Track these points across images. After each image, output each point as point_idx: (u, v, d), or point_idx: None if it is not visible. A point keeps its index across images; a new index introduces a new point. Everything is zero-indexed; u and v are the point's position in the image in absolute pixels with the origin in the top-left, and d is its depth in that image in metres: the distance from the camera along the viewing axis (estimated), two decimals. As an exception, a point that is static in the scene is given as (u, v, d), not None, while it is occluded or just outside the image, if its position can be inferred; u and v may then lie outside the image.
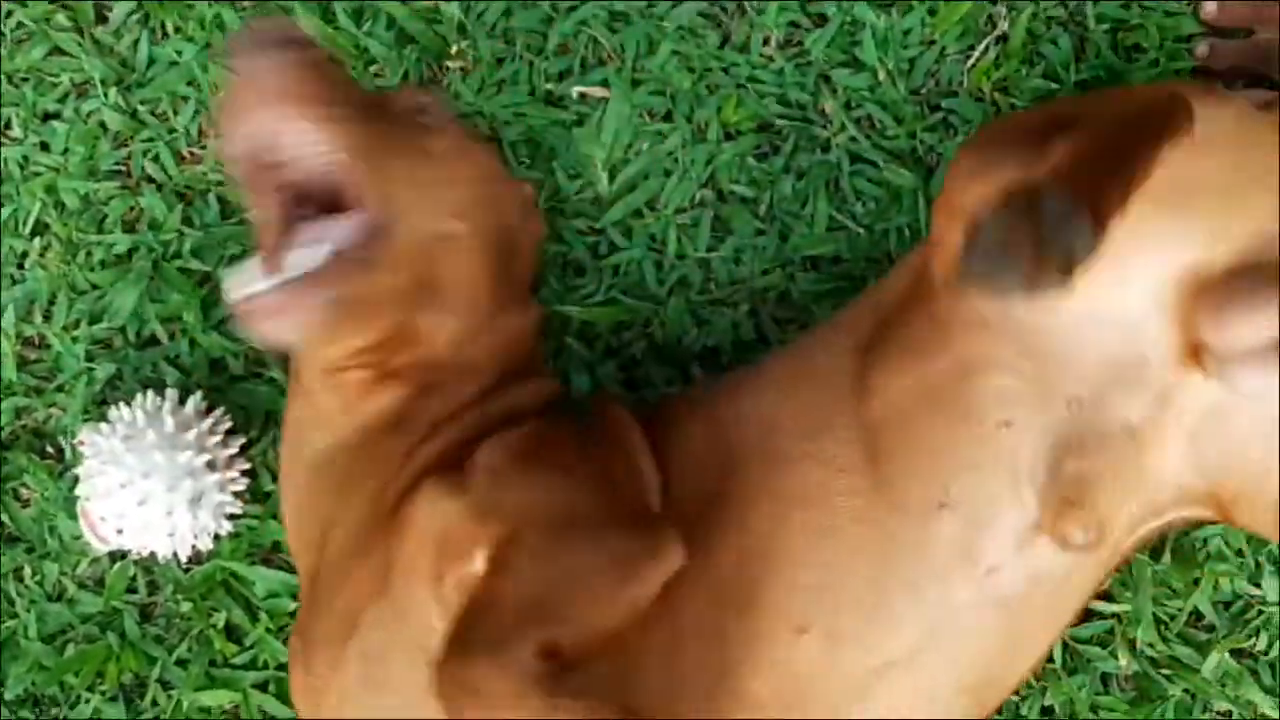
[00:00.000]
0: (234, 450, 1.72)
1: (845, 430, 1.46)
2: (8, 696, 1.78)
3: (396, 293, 1.44)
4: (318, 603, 1.52)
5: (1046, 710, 1.75)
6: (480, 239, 1.53)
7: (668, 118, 1.81)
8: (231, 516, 1.74)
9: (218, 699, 1.77)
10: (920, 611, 1.42)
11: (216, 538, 1.74)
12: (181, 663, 1.78)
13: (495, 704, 1.23)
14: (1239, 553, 1.75)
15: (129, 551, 1.73)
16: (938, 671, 1.44)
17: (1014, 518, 1.41)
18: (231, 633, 1.79)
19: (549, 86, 1.82)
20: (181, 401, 1.72)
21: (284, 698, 1.76)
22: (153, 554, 1.71)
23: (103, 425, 1.69)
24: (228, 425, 1.73)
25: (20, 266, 1.84)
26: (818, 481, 1.44)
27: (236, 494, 1.72)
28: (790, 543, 1.43)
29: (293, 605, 1.77)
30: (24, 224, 1.81)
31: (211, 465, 1.69)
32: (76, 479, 1.73)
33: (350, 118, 1.41)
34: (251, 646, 1.78)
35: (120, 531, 1.68)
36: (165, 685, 1.78)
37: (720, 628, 1.43)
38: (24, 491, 1.83)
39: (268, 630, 1.77)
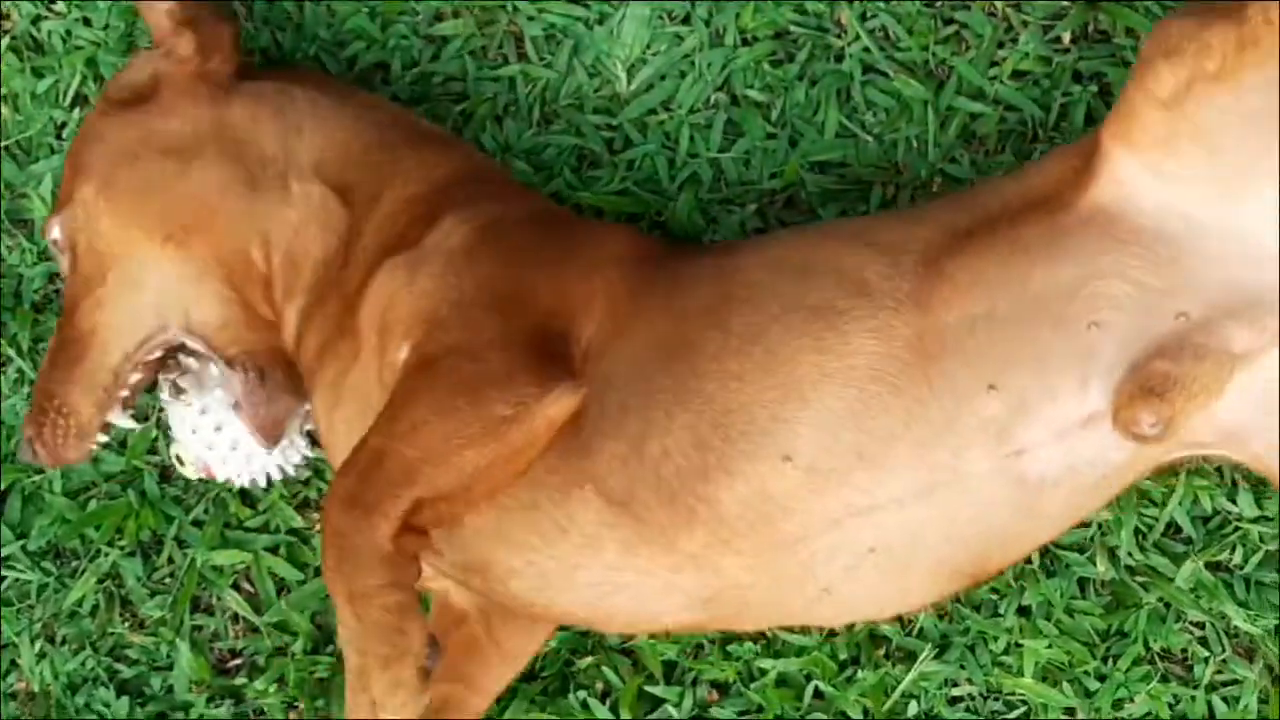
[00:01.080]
0: None
1: (892, 302, 1.51)
2: (31, 547, 1.86)
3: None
4: (322, 380, 1.64)
5: (1023, 610, 1.82)
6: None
7: (686, 21, 1.86)
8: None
9: (230, 559, 1.85)
10: (921, 470, 1.49)
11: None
12: (198, 523, 1.86)
13: (345, 554, 1.45)
14: (1218, 470, 1.80)
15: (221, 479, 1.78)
16: (930, 523, 1.50)
17: (1067, 409, 1.48)
18: (246, 497, 1.86)
19: (572, -17, 1.88)
20: None
21: (294, 561, 1.85)
22: (251, 480, 1.77)
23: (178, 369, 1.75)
24: None
25: (59, 137, 1.91)
26: (843, 335, 1.50)
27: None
28: (793, 380, 1.50)
29: (304, 474, 1.84)
30: (64, 96, 1.88)
31: None
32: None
33: None
34: (264, 511, 1.86)
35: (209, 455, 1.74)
36: (181, 544, 1.86)
37: (702, 438, 1.50)
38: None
39: (281, 497, 1.85)
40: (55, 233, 1.68)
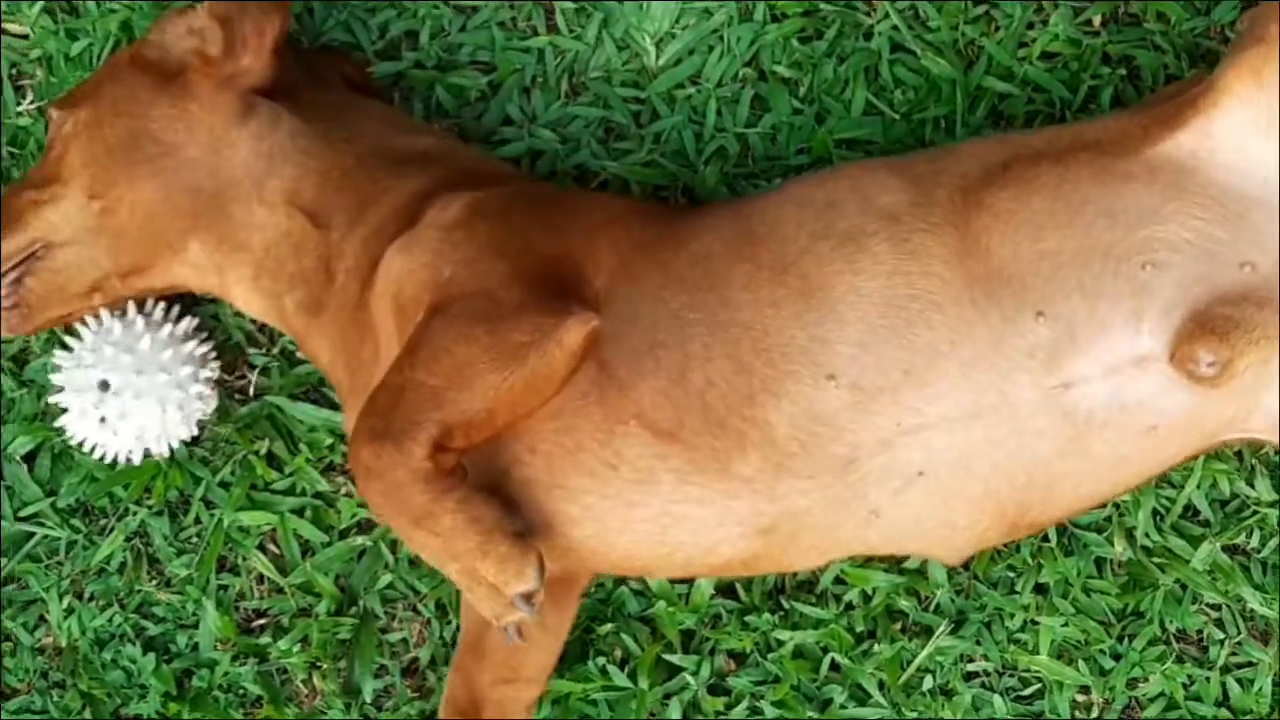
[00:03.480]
0: (202, 351, 1.81)
1: (925, 225, 1.53)
2: (60, 505, 1.89)
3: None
4: (354, 389, 1.67)
5: (1040, 588, 1.83)
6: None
7: (716, -5, 1.86)
8: (199, 424, 1.83)
9: (256, 520, 1.87)
10: (968, 390, 1.50)
11: (183, 442, 1.83)
12: (225, 484, 1.88)
13: (389, 489, 1.47)
14: (1237, 454, 1.81)
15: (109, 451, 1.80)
16: (978, 449, 1.52)
17: (1118, 345, 1.49)
18: (272, 460, 1.88)
19: (603, -43, 1.88)
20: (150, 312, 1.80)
21: (319, 523, 1.87)
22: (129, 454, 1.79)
23: (74, 335, 1.79)
24: (196, 331, 1.83)
25: (92, 99, 1.92)
26: (875, 256, 1.52)
27: (203, 397, 1.81)
28: (829, 301, 1.52)
29: (330, 440, 1.87)
30: (97, 59, 1.88)
31: (179, 367, 1.77)
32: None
33: None
34: (291, 474, 1.88)
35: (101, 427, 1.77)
36: (208, 504, 1.89)
37: (744, 363, 1.53)
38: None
39: (307, 460, 1.87)
40: (53, 116, 1.73)
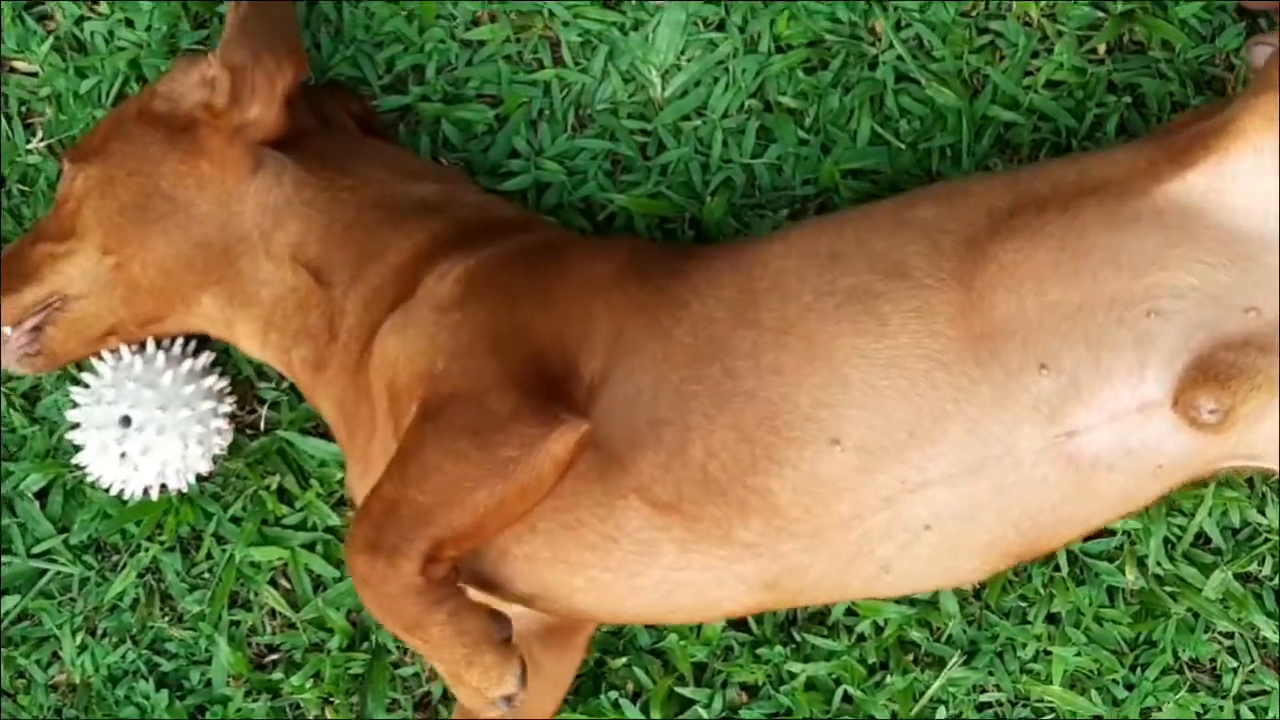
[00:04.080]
0: (220, 386, 1.82)
1: (932, 281, 1.52)
2: (72, 541, 1.89)
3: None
4: (351, 451, 1.68)
5: (1052, 617, 1.82)
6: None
7: (721, 27, 1.86)
8: (215, 458, 1.84)
9: (267, 555, 1.88)
10: (973, 446, 1.49)
11: (199, 477, 1.84)
12: (236, 520, 1.89)
13: (382, 599, 1.50)
14: (1248, 482, 1.80)
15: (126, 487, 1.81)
16: (983, 501, 1.52)
17: (1121, 392, 1.48)
18: (283, 495, 1.89)
19: (608, -10, 1.89)
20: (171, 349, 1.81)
21: (331, 558, 1.87)
22: (146, 489, 1.81)
23: (91, 370, 1.80)
24: (212, 366, 1.84)
25: (102, 137, 1.93)
26: (881, 318, 1.52)
27: (221, 431, 1.82)
28: (833, 365, 1.51)
29: (340, 474, 1.87)
30: (106, 96, 1.89)
31: (200, 401, 1.79)
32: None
33: None
34: (302, 509, 1.88)
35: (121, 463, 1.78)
36: (219, 540, 1.89)
37: (747, 432, 1.52)
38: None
39: (318, 495, 1.88)
40: (65, 168, 1.75)
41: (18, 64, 1.92)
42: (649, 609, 1.59)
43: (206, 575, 1.89)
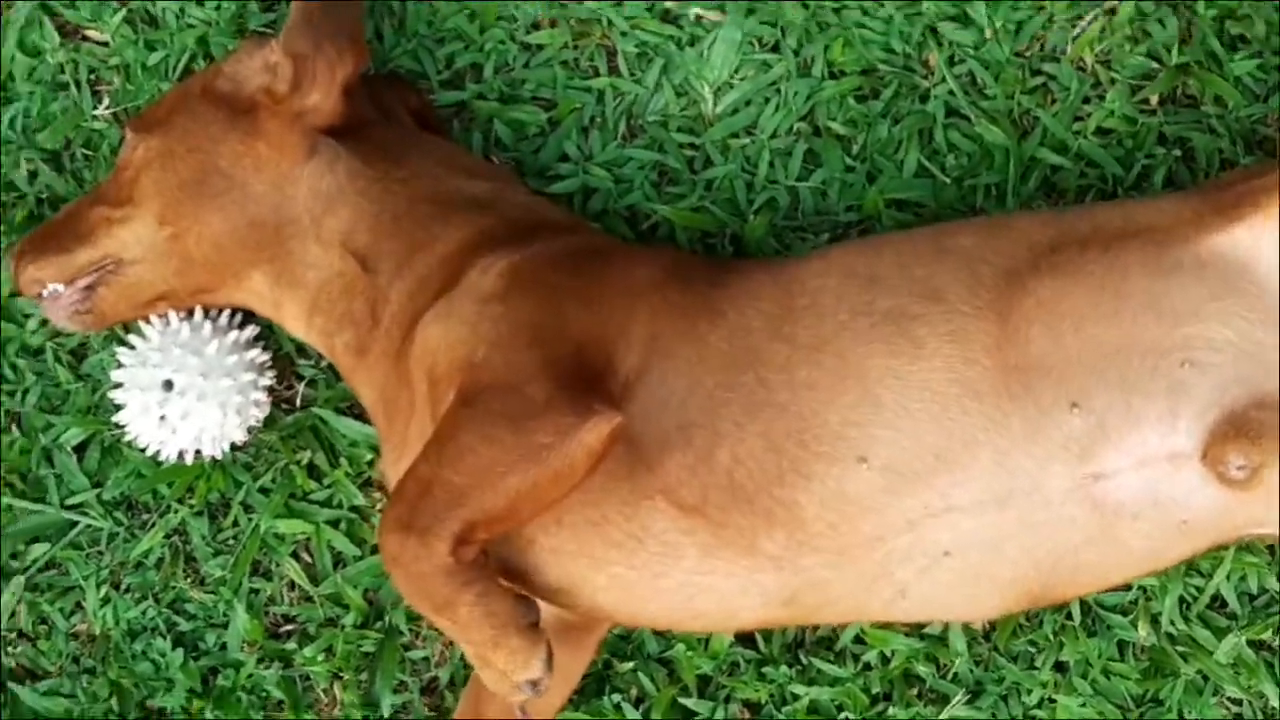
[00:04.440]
0: (262, 359, 1.87)
1: (969, 309, 1.53)
2: (106, 497, 1.94)
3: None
4: (389, 436, 1.71)
5: (1060, 665, 1.81)
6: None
7: (775, 49, 1.87)
8: (251, 429, 1.88)
9: (292, 528, 1.91)
10: (1000, 477, 1.50)
11: (233, 446, 1.88)
12: (264, 491, 1.93)
13: (413, 579, 1.52)
14: (1270, 549, 1.77)
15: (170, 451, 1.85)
16: (1005, 533, 1.52)
17: (1151, 440, 1.48)
18: (313, 471, 1.92)
19: (668, 4, 1.90)
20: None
21: (353, 537, 1.91)
22: (181, 453, 1.85)
23: (138, 332, 1.84)
24: (256, 340, 1.87)
25: (170, 107, 1.97)
26: (916, 341, 1.52)
27: (259, 403, 1.86)
28: (865, 384, 1.53)
29: (370, 455, 1.90)
30: (173, 70, 1.94)
31: (241, 372, 1.83)
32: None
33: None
34: (330, 486, 1.92)
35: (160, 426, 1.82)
36: (247, 508, 1.93)
37: (776, 443, 1.54)
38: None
39: (346, 474, 1.91)
40: (128, 136, 1.79)
41: (90, 32, 1.97)
42: (670, 612, 1.61)
43: (231, 542, 1.93)
